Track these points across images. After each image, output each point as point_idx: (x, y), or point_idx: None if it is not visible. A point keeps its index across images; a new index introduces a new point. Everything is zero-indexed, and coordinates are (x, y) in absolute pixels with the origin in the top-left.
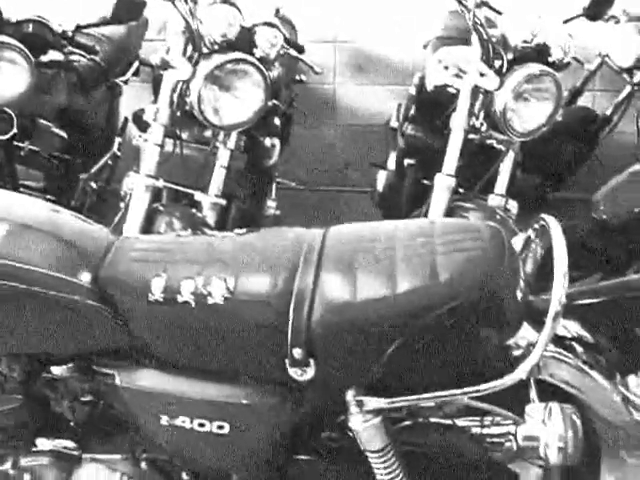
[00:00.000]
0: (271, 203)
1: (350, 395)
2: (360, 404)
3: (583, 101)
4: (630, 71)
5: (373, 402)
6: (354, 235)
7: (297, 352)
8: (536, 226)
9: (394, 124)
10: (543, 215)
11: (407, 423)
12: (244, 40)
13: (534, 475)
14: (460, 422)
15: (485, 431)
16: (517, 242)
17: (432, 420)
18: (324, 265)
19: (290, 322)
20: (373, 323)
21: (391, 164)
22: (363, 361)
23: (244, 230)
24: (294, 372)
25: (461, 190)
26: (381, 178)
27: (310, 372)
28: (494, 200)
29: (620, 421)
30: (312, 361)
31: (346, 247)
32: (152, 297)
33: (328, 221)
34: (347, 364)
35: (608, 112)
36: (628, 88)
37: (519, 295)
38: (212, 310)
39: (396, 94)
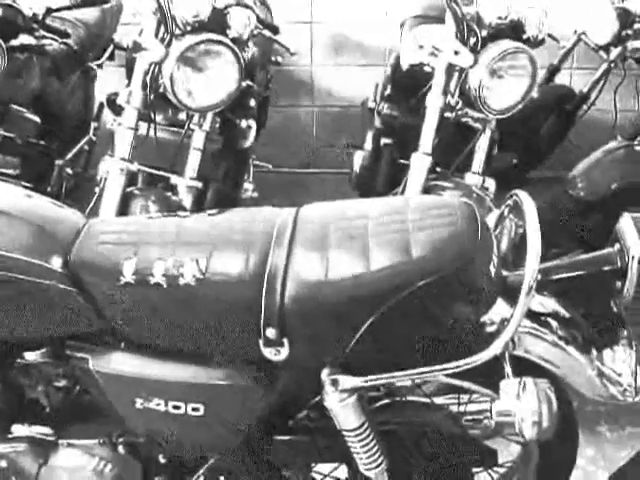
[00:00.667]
0: (248, 185)
1: (325, 374)
2: (335, 383)
3: (560, 79)
4: (607, 48)
5: (348, 381)
6: (326, 213)
7: (270, 332)
8: (509, 202)
9: (371, 104)
10: (516, 191)
11: (385, 402)
12: (217, 21)
13: (513, 451)
14: (438, 400)
15: (462, 409)
16: (491, 219)
17: (410, 399)
18: (296, 244)
19: (263, 302)
20: (346, 301)
21: (368, 144)
22: (337, 340)
23: (215, 210)
24: (268, 352)
25: (438, 169)
26: (358, 159)
27: (284, 352)
28: (471, 179)
29: (596, 396)
30: (286, 341)
31: (318, 225)
32: (124, 280)
33: (306, 203)
34: (321, 343)
35: (585, 89)
36: (605, 65)
37: (493, 271)
38: (184, 291)
39: (374, 74)
